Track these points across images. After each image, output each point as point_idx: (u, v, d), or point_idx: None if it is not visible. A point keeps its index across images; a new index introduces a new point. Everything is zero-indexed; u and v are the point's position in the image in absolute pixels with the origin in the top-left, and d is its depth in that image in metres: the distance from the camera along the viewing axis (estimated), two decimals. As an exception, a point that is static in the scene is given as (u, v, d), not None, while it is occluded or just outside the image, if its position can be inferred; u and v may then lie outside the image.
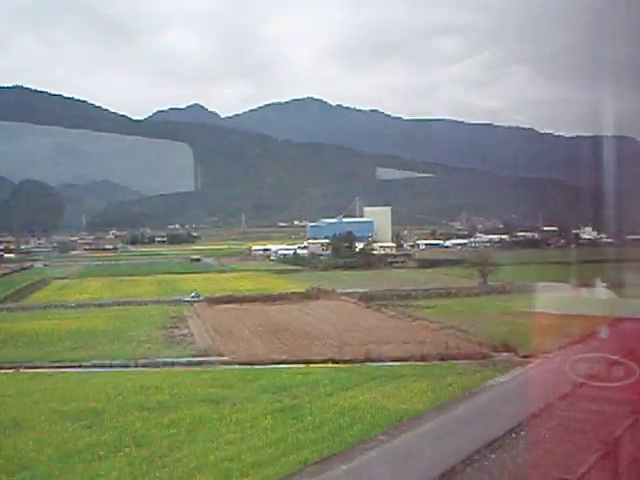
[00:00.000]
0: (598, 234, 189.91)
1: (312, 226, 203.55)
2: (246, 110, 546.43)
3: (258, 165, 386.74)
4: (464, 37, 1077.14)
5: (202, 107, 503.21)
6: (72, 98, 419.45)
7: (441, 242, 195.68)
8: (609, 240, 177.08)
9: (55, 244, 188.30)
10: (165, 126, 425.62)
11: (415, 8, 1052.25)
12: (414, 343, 46.01)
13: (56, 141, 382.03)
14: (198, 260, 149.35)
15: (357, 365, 40.13)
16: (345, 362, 41.07)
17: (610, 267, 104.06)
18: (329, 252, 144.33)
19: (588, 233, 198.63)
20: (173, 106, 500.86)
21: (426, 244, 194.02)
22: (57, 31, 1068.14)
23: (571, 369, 23.33)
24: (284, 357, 42.53)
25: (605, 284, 69.65)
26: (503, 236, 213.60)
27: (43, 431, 24.72)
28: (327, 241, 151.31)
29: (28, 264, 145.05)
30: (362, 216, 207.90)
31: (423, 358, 41.39)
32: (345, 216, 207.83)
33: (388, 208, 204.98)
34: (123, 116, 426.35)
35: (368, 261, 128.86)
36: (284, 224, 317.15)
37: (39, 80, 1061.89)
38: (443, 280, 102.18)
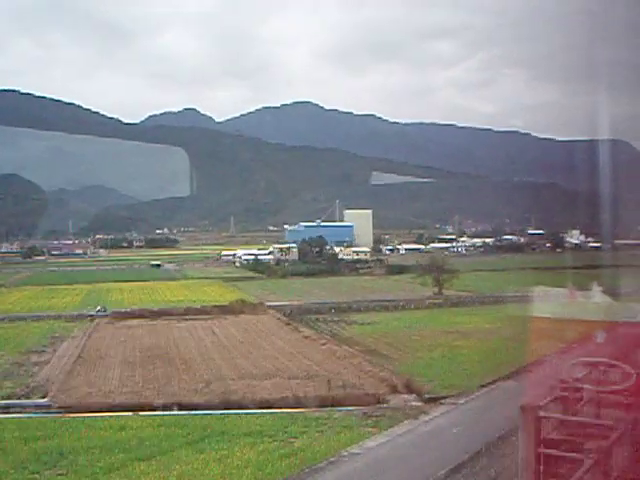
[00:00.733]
0: (586, 238, 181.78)
1: (290, 230, 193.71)
2: (241, 114, 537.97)
3: (251, 169, 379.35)
4: (460, 39, 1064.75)
5: (196, 111, 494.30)
6: (61, 101, 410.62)
7: (422, 246, 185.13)
8: (597, 244, 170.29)
9: (25, 249, 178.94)
10: (159, 130, 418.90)
11: (411, 10, 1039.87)
12: (302, 378, 35.89)
13: (49, 145, 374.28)
14: (158, 266, 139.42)
15: (199, 413, 30.54)
16: (192, 407, 31.21)
17: (591, 274, 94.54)
18: (293, 258, 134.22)
19: (575, 237, 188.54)
20: (167, 110, 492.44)
21: (406, 248, 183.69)
22: (53, 34, 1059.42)
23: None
24: (122, 399, 32.80)
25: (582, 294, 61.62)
26: (488, 240, 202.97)
27: None
28: (291, 246, 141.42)
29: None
30: (342, 220, 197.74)
31: (299, 402, 31.46)
32: (325, 220, 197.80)
33: (369, 211, 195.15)
34: (116, 119, 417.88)
35: (333, 267, 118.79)
36: (273, 228, 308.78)
37: (34, 83, 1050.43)
38: (404, 289, 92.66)
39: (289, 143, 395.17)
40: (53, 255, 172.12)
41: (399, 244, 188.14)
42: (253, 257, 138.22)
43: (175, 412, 31.11)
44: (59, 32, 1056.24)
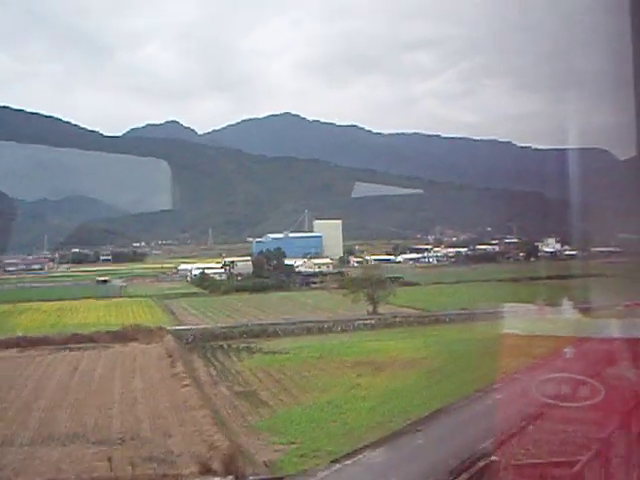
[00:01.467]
0: (562, 246, 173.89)
1: (257, 242, 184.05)
2: (223, 126, 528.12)
3: (231, 180, 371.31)
4: (441, 50, 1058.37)
5: (179, 123, 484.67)
6: (39, 114, 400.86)
7: (392, 257, 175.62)
8: (572, 253, 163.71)
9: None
10: (140, 142, 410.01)
11: (392, 22, 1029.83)
12: (110, 444, 26.68)
13: (27, 156, 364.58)
14: (105, 282, 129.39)
15: None
16: None
17: (559, 285, 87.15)
18: (247, 271, 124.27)
19: (551, 245, 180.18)
20: (149, 122, 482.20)
21: (375, 260, 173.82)
22: (32, 47, 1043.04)
23: None
24: None
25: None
26: (462, 249, 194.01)
27: None
28: (242, 259, 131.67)
29: None
30: (312, 230, 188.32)
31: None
32: (293, 231, 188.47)
33: (339, 221, 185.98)
34: (97, 132, 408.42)
35: (283, 282, 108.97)
36: (251, 239, 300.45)
37: (12, 97, 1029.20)
38: (348, 306, 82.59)
39: (271, 154, 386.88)
40: (7, 271, 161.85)
41: (367, 255, 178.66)
42: (212, 271, 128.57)
43: None
44: (38, 45, 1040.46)
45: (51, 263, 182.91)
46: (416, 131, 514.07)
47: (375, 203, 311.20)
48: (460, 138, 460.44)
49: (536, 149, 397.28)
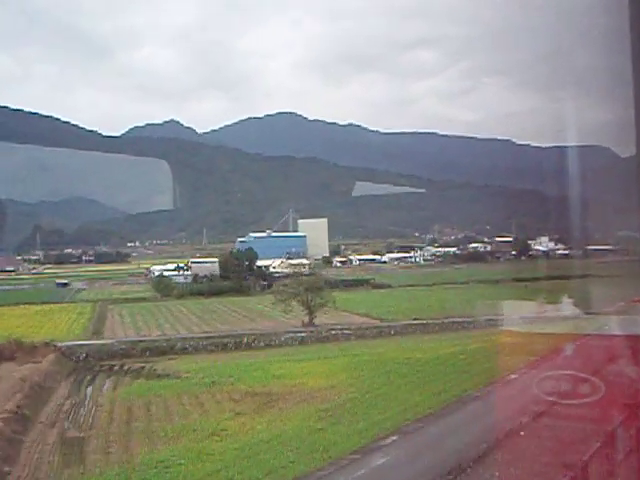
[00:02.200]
0: (555, 245, 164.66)
1: (240, 241, 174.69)
2: (224, 125, 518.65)
3: (229, 180, 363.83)
4: (440, 49, 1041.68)
5: (178, 123, 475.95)
6: (38, 114, 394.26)
7: (378, 257, 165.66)
8: (565, 252, 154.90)
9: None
10: (140, 142, 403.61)
11: (391, 21, 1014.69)
12: None
13: (27, 158, 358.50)
14: (64, 285, 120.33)
15: None
16: None
17: (546, 287, 77.98)
18: (214, 272, 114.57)
19: (544, 244, 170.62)
20: (149, 122, 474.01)
21: (360, 259, 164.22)
22: (30, 48, 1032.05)
23: None
24: None
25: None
26: (453, 248, 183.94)
27: None
28: (208, 260, 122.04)
29: None
30: (296, 230, 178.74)
31: None
32: (276, 230, 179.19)
33: (324, 220, 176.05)
34: (96, 132, 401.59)
35: (243, 285, 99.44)
36: (243, 239, 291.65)
37: (11, 97, 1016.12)
38: (295, 314, 72.99)
39: (270, 153, 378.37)
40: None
41: (352, 255, 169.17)
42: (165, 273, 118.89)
43: None
44: (36, 46, 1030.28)
45: (25, 264, 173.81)
46: (415, 130, 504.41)
47: (373, 202, 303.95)
48: (459, 136, 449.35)
49: (535, 147, 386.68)
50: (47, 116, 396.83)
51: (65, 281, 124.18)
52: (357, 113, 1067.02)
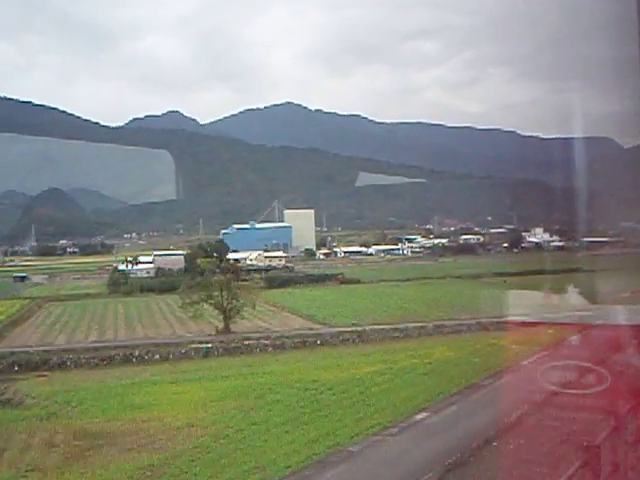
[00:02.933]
0: (550, 236, 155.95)
1: (224, 233, 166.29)
2: (226, 116, 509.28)
3: (230, 170, 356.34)
4: (444, 39, 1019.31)
5: (180, 113, 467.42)
6: (44, 106, 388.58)
7: (364, 249, 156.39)
8: (560, 244, 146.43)
9: None
10: (142, 133, 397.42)
11: (394, 10, 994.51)
12: None
13: (30, 150, 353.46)
14: (23, 279, 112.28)
15: None
16: None
17: (530, 282, 70.03)
18: (179, 267, 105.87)
19: (538, 235, 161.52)
20: (151, 113, 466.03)
21: (345, 252, 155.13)
22: (32, 38, 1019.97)
23: None
24: None
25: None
26: (444, 240, 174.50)
27: None
28: (173, 253, 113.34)
29: None
30: (282, 220, 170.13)
31: None
32: (262, 221, 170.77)
33: (311, 211, 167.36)
34: (99, 124, 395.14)
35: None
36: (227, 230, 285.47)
37: (15, 88, 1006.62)
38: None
39: (272, 144, 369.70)
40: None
41: (336, 246, 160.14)
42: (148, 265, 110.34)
43: None
44: (38, 36, 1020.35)
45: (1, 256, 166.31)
46: (419, 120, 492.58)
47: (374, 192, 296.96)
48: (464, 127, 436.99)
49: (540, 138, 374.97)
50: (53, 108, 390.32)
51: (23, 274, 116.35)
52: (360, 103, 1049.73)
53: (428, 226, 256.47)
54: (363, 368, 36.49)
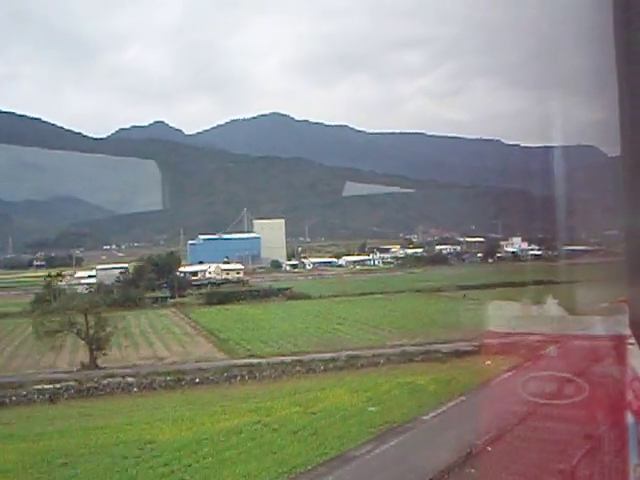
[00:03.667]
0: (528, 245, 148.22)
1: (191, 244, 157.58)
2: (211, 126, 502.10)
3: (213, 181, 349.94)
4: (428, 49, 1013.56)
5: (166, 124, 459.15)
6: (26, 116, 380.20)
7: (334, 260, 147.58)
8: (537, 253, 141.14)
9: None
10: (126, 144, 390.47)
11: (379, 21, 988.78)
12: None
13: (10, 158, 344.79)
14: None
15: None
16: None
17: (498, 295, 62.07)
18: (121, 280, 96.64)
19: (516, 245, 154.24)
20: (136, 124, 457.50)
21: (314, 263, 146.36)
22: (17, 48, 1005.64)
23: None
24: None
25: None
26: (418, 250, 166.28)
27: None
28: (117, 266, 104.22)
29: None
30: (252, 231, 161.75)
31: None
32: (230, 231, 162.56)
33: (281, 221, 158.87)
34: (82, 134, 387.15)
35: (130, 298, 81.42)
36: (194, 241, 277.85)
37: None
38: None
39: (256, 154, 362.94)
40: None
41: (304, 257, 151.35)
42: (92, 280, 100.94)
43: None
44: (22, 47, 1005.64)
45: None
46: (403, 130, 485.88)
47: (358, 202, 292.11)
48: (447, 136, 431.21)
49: (524, 147, 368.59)
50: (35, 118, 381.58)
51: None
52: (346, 113, 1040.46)
53: (412, 236, 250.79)
54: (224, 421, 27.77)
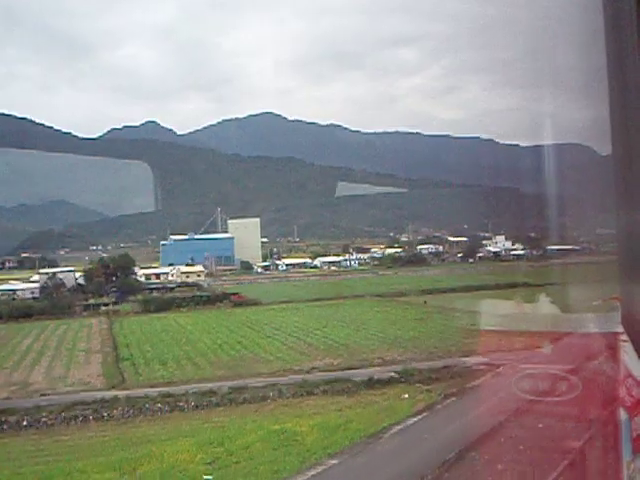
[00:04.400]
0: (512, 244, 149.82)
1: (163, 245, 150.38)
2: (204, 126, 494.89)
3: (203, 181, 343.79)
4: (422, 47, 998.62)
5: (158, 124, 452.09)
6: (12, 116, 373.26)
7: (308, 261, 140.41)
8: (521, 253, 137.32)
9: None
10: (118, 144, 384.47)
11: (372, 19, 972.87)
12: None
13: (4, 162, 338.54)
14: None
15: None
16: None
17: (455, 303, 55.98)
18: (71, 285, 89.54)
19: (499, 244, 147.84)
20: (128, 123, 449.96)
21: (287, 264, 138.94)
22: (10, 48, 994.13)
23: None
24: None
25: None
26: (397, 250, 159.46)
27: None
28: (61, 270, 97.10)
29: None
30: (226, 230, 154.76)
31: None
32: (201, 232, 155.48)
33: (256, 220, 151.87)
34: (73, 134, 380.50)
35: (64, 304, 74.27)
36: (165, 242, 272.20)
37: None
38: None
39: (248, 154, 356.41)
40: None
41: (278, 258, 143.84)
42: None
43: None
44: (17, 47, 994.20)
45: None
46: (397, 129, 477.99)
47: (350, 202, 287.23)
48: (441, 135, 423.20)
49: (517, 146, 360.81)
50: (23, 118, 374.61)
51: None
52: (339, 112, 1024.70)
53: (403, 235, 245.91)
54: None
